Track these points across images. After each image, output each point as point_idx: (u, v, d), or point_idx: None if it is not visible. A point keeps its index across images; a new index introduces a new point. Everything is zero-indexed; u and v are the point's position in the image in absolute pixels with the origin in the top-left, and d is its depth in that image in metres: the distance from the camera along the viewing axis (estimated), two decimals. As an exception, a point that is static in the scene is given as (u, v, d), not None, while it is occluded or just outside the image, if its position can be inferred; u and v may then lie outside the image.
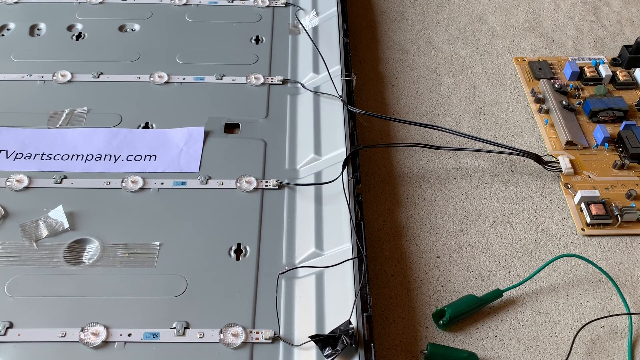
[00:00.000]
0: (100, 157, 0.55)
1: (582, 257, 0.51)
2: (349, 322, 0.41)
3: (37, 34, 0.67)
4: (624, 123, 0.60)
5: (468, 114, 0.64)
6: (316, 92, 0.60)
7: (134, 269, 0.47)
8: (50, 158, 0.54)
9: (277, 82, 0.62)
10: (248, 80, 0.62)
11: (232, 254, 0.48)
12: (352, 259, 0.46)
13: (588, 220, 0.54)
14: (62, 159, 0.54)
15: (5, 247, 0.48)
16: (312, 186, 0.53)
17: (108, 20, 0.68)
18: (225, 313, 0.44)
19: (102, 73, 0.62)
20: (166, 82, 0.61)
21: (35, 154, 0.55)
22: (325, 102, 0.59)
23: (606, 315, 0.48)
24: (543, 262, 0.51)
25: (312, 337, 0.41)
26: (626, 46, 0.67)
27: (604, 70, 0.65)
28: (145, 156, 0.55)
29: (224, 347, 0.43)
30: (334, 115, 0.58)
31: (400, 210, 0.55)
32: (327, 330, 0.42)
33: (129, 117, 0.58)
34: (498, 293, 0.49)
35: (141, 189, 0.52)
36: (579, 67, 0.66)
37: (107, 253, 0.48)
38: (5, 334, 0.43)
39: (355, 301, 0.43)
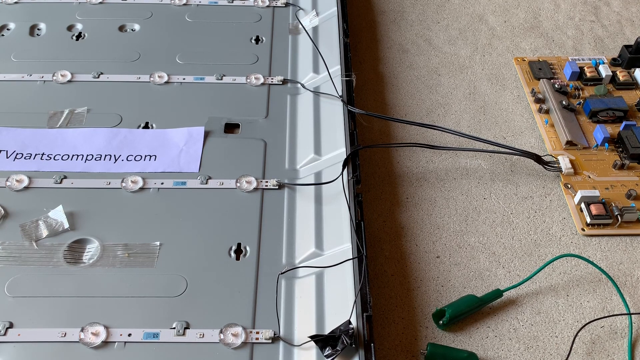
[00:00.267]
0: (100, 157, 0.55)
1: (582, 257, 0.51)
2: (349, 322, 0.41)
3: (37, 34, 0.67)
4: (624, 123, 0.60)
5: (468, 114, 0.64)
6: (316, 92, 0.60)
7: (134, 269, 0.47)
8: (50, 158, 0.54)
9: (277, 82, 0.62)
10: (248, 80, 0.62)
11: (232, 254, 0.48)
12: (352, 259, 0.46)
13: (588, 220, 0.54)
14: (62, 159, 0.54)
15: (5, 247, 0.48)
16: (312, 186, 0.53)
17: (108, 20, 0.68)
18: (225, 313, 0.44)
19: (102, 73, 0.62)
20: (166, 82, 0.61)
21: (35, 154, 0.55)
22: (325, 102, 0.59)
23: (606, 315, 0.48)
24: (543, 262, 0.51)
25: (312, 337, 0.41)
26: (626, 46, 0.67)
27: (604, 70, 0.65)
28: (145, 156, 0.55)
29: (224, 347, 0.43)
30: (334, 115, 0.58)
31: (400, 210, 0.55)
32: (327, 330, 0.42)
33: (129, 117, 0.58)
34: (498, 293, 0.49)
35: (141, 189, 0.52)
36: (579, 67, 0.66)
37: (107, 253, 0.48)
38: (5, 334, 0.43)
39: (355, 301, 0.43)
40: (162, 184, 0.53)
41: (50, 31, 0.67)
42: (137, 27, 0.68)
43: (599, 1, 0.78)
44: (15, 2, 0.70)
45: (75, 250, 0.48)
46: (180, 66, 0.63)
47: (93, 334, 0.43)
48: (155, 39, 0.66)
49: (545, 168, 0.58)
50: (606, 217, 0.53)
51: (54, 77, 0.61)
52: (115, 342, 0.43)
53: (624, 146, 0.59)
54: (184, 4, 0.71)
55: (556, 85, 0.64)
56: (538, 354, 0.46)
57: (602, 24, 0.75)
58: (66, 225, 0.49)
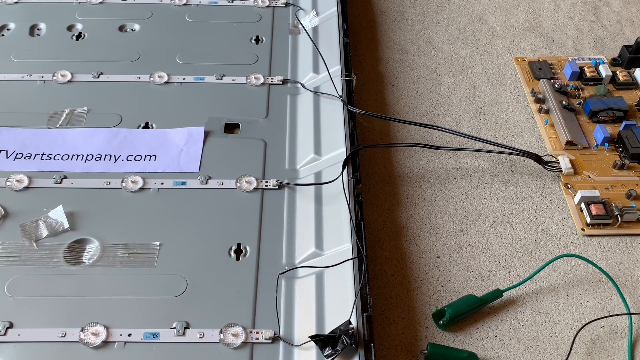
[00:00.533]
0: (100, 157, 0.55)
1: (582, 257, 0.51)
2: (349, 322, 0.41)
3: (37, 34, 0.67)
4: (624, 123, 0.60)
5: (468, 114, 0.64)
6: (316, 92, 0.60)
7: (134, 269, 0.47)
8: (50, 158, 0.54)
9: (277, 82, 0.62)
10: (248, 80, 0.62)
11: (232, 254, 0.48)
12: (352, 259, 0.46)
13: (588, 220, 0.54)
14: (62, 159, 0.54)
15: (5, 247, 0.48)
16: (312, 186, 0.53)
17: (108, 20, 0.68)
18: (225, 313, 0.44)
19: (102, 73, 0.62)
20: (166, 82, 0.61)
21: (35, 154, 0.55)
22: (325, 102, 0.59)
23: (606, 315, 0.48)
24: (543, 262, 0.51)
25: (312, 337, 0.41)
26: (626, 46, 0.67)
27: (604, 70, 0.65)
28: (145, 156, 0.55)
29: (224, 347, 0.43)
30: (334, 115, 0.58)
31: (400, 210, 0.55)
32: (327, 330, 0.42)
33: (129, 117, 0.58)
34: (498, 293, 0.49)
35: (141, 189, 0.52)
36: (579, 67, 0.66)
37: (107, 253, 0.48)
38: (5, 334, 0.43)
39: (355, 301, 0.43)
40: (162, 184, 0.53)
41: (50, 31, 0.67)
42: (137, 27, 0.68)
43: (599, 1, 0.78)
44: (15, 2, 0.70)
45: (75, 250, 0.48)
46: (180, 66, 0.63)
47: (93, 334, 0.43)
48: (155, 39, 0.66)
49: (545, 168, 0.58)
50: (606, 217, 0.53)
51: (54, 77, 0.61)
52: (115, 342, 0.43)
53: (624, 146, 0.59)
54: (184, 4, 0.71)
55: (556, 85, 0.64)
56: (538, 354, 0.46)
57: (602, 24, 0.75)
58: (66, 225, 0.49)
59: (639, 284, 0.51)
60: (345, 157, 0.52)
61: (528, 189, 0.57)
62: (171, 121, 0.58)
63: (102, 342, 0.43)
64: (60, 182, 0.52)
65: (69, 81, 0.61)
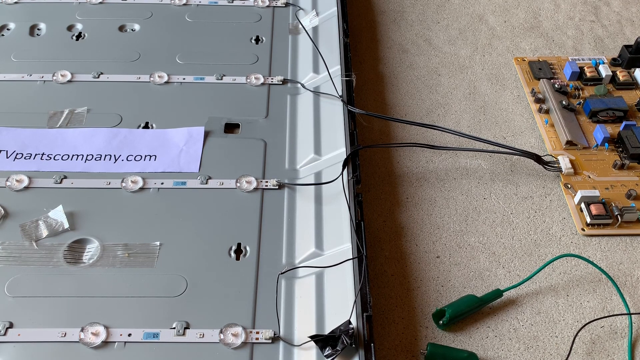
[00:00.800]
0: (100, 157, 0.55)
1: (582, 257, 0.51)
2: (349, 322, 0.41)
3: (37, 34, 0.67)
4: (624, 123, 0.60)
5: (468, 114, 0.64)
6: (316, 92, 0.60)
7: (134, 269, 0.47)
8: (50, 158, 0.54)
9: (277, 82, 0.62)
10: (248, 80, 0.62)
11: (232, 254, 0.48)
12: (352, 259, 0.46)
13: (588, 220, 0.54)
14: (62, 159, 0.54)
15: (5, 247, 0.48)
16: (312, 186, 0.53)
17: (108, 20, 0.68)
18: (225, 313, 0.44)
19: (102, 73, 0.62)
20: (166, 82, 0.61)
21: (35, 154, 0.55)
22: (325, 102, 0.59)
23: (606, 315, 0.48)
24: (543, 262, 0.51)
25: (312, 337, 0.41)
26: (626, 46, 0.67)
27: (604, 70, 0.65)
28: (145, 156, 0.55)
29: (224, 347, 0.43)
30: (334, 115, 0.58)
31: (400, 210, 0.55)
32: (327, 330, 0.42)
33: (129, 117, 0.58)
34: (498, 293, 0.49)
35: (141, 189, 0.52)
36: (579, 67, 0.66)
37: (107, 253, 0.48)
38: (5, 334, 0.43)
39: (355, 301, 0.43)
40: (162, 184, 0.53)
41: (50, 31, 0.67)
42: (137, 27, 0.68)
43: (599, 1, 0.78)
44: (15, 2, 0.70)
45: (75, 250, 0.48)
46: (180, 66, 0.63)
47: (93, 334, 0.43)
48: (155, 39, 0.66)
49: (545, 168, 0.58)
50: (606, 217, 0.53)
51: (54, 77, 0.61)
52: (115, 342, 0.43)
53: (624, 146, 0.59)
54: (184, 4, 0.71)
55: (556, 85, 0.64)
56: (538, 354, 0.46)
57: (602, 24, 0.75)
58: (66, 225, 0.49)
59: (639, 284, 0.51)
60: (345, 157, 0.52)
61: (528, 189, 0.57)
62: (171, 121, 0.58)
63: (102, 342, 0.43)
64: (60, 182, 0.52)
65: (69, 81, 0.61)
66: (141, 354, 0.42)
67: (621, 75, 0.65)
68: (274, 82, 0.62)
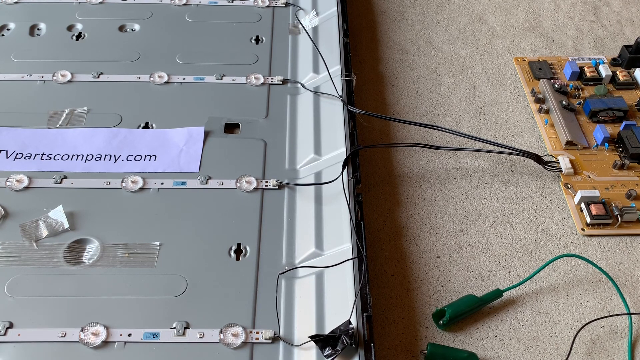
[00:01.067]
0: (100, 157, 0.55)
1: (582, 257, 0.51)
2: (349, 322, 0.41)
3: (37, 34, 0.67)
4: (624, 123, 0.60)
5: (468, 114, 0.64)
6: (316, 92, 0.60)
7: (134, 269, 0.47)
8: (50, 158, 0.54)
9: (277, 82, 0.62)
10: (248, 80, 0.62)
11: (232, 254, 0.48)
12: (352, 259, 0.46)
13: (588, 220, 0.54)
14: (62, 159, 0.54)
15: (5, 247, 0.48)
16: (312, 186, 0.53)
17: (108, 20, 0.68)
18: (225, 313, 0.44)
19: (102, 73, 0.62)
20: (166, 82, 0.61)
21: (35, 154, 0.55)
22: (325, 102, 0.59)
23: (606, 315, 0.48)
24: (543, 262, 0.51)
25: (312, 337, 0.41)
26: (626, 46, 0.67)
27: (604, 70, 0.65)
28: (145, 156, 0.55)
29: (224, 347, 0.43)
30: (334, 115, 0.58)
31: (400, 210, 0.55)
32: (327, 330, 0.42)
33: (129, 117, 0.58)
34: (498, 293, 0.49)
35: (141, 189, 0.52)
36: (579, 67, 0.66)
37: (107, 253, 0.48)
38: (5, 334, 0.43)
39: (355, 301, 0.43)
40: (162, 184, 0.53)
41: (50, 31, 0.67)
42: (137, 27, 0.68)
43: (599, 1, 0.78)
44: (15, 2, 0.70)
45: (75, 250, 0.48)
46: (180, 66, 0.63)
47: (93, 334, 0.43)
48: (155, 39, 0.66)
49: (545, 168, 0.58)
50: (606, 217, 0.53)
51: (54, 77, 0.61)
52: (115, 342, 0.43)
53: (624, 146, 0.59)
54: (184, 4, 0.71)
55: (556, 85, 0.64)
56: (538, 354, 0.46)
57: (602, 24, 0.75)
58: (66, 225, 0.49)
59: (639, 284, 0.51)
60: (345, 157, 0.52)
61: (528, 189, 0.57)
62: (171, 121, 0.58)
63: (102, 342, 0.43)
64: (60, 182, 0.52)
65: (69, 81, 0.61)
66: (141, 354, 0.42)
67: (621, 75, 0.65)
68: (274, 82, 0.62)
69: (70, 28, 0.67)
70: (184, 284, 0.46)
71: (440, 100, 0.65)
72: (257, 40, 0.67)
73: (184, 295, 0.46)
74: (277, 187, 0.53)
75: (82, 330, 0.43)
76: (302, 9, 0.71)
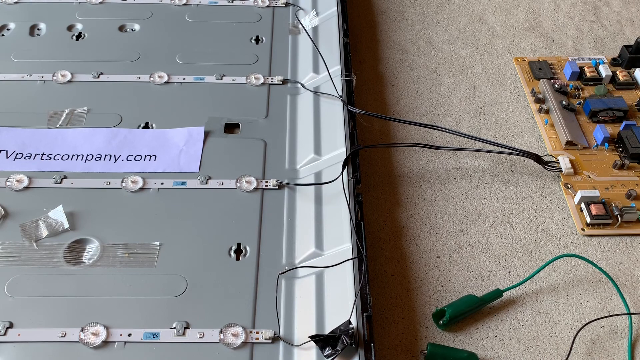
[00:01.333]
0: (100, 157, 0.55)
1: (582, 257, 0.51)
2: (349, 322, 0.41)
3: (37, 34, 0.67)
4: (624, 123, 0.60)
5: (468, 114, 0.64)
6: (316, 92, 0.60)
7: (134, 269, 0.47)
8: (50, 158, 0.54)
9: (277, 82, 0.62)
10: (248, 80, 0.62)
11: (232, 254, 0.48)
12: (352, 259, 0.46)
13: (588, 220, 0.54)
14: (62, 159, 0.54)
15: (5, 247, 0.48)
16: (312, 186, 0.53)
17: (108, 20, 0.68)
18: (225, 313, 0.44)
19: (102, 73, 0.62)
20: (166, 82, 0.61)
21: (35, 154, 0.55)
22: (325, 102, 0.59)
23: (606, 315, 0.48)
24: (543, 262, 0.51)
25: (312, 337, 0.41)
26: (626, 46, 0.67)
27: (604, 70, 0.65)
28: (145, 156, 0.55)
29: (224, 347, 0.43)
30: (334, 115, 0.58)
31: (400, 210, 0.55)
32: (327, 330, 0.42)
33: (129, 117, 0.58)
34: (498, 293, 0.49)
35: (141, 189, 0.52)
36: (579, 67, 0.66)
37: (107, 253, 0.48)
38: (5, 334, 0.43)
39: (355, 301, 0.43)
40: (162, 184, 0.53)
41: (50, 31, 0.67)
42: (137, 27, 0.68)
43: (599, 1, 0.78)
44: (15, 2, 0.70)
45: (75, 250, 0.48)
46: (180, 66, 0.63)
47: (93, 334, 0.43)
48: (155, 39, 0.66)
49: (545, 168, 0.58)
50: (606, 217, 0.53)
51: (54, 77, 0.61)
52: (115, 342, 0.43)
53: (624, 146, 0.59)
54: (184, 4, 0.71)
55: (556, 85, 0.64)
56: (538, 354, 0.46)
57: (602, 24, 0.75)
58: (66, 225, 0.49)
59: (639, 284, 0.51)
60: (345, 157, 0.52)
61: (528, 189, 0.57)
62: (171, 121, 0.58)
63: (102, 342, 0.43)
64: (60, 182, 0.52)
65: (69, 81, 0.61)
66: (141, 354, 0.42)
67: (621, 75, 0.65)
68: (274, 82, 0.62)
69: (70, 28, 0.67)
70: (184, 284, 0.46)
71: (440, 100, 0.65)
72: (257, 40, 0.67)
73: (184, 295, 0.46)
74: (277, 187, 0.53)
75: (82, 330, 0.43)
76: (302, 9, 0.71)
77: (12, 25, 0.67)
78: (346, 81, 0.59)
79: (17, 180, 0.52)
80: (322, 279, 0.46)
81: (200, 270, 0.47)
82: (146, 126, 0.58)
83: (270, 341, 0.43)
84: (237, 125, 0.58)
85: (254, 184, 0.53)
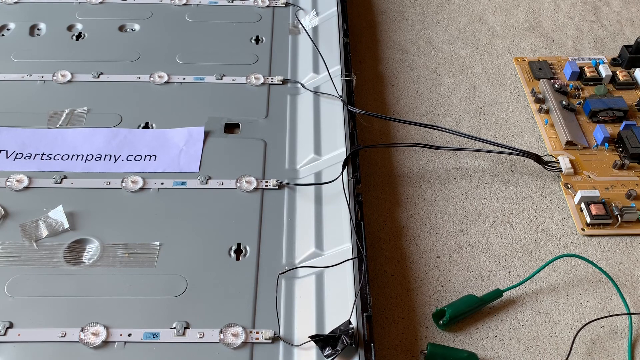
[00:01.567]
0: (100, 157, 0.55)
1: (582, 257, 0.51)
2: (349, 322, 0.41)
3: (37, 34, 0.67)
4: (624, 123, 0.60)
5: (468, 114, 0.64)
6: (316, 92, 0.60)
7: (134, 269, 0.47)
8: (50, 158, 0.54)
9: (277, 82, 0.62)
10: (248, 80, 0.62)
11: (232, 254, 0.48)
12: (352, 259, 0.46)
13: (588, 220, 0.54)
14: (62, 159, 0.54)
15: (5, 247, 0.48)
16: (312, 186, 0.53)
17: (108, 20, 0.68)
18: (225, 313, 0.44)
19: (102, 73, 0.62)
20: (166, 82, 0.61)
21: (35, 154, 0.55)
22: (325, 102, 0.59)
23: (606, 315, 0.48)
24: (543, 262, 0.51)
25: (312, 337, 0.41)
26: (626, 46, 0.67)
27: (604, 70, 0.65)
28: (145, 156, 0.55)
29: (224, 347, 0.43)
30: (334, 115, 0.58)
31: (400, 210, 0.55)
32: (327, 330, 0.42)
33: (129, 117, 0.58)
34: (498, 293, 0.49)
35: (141, 189, 0.52)
36: (579, 67, 0.66)
37: (107, 253, 0.48)
38: (5, 334, 0.43)
39: (355, 301, 0.43)
40: (162, 184, 0.53)
41: (50, 31, 0.67)
42: (137, 27, 0.68)
43: (599, 1, 0.78)
44: (15, 2, 0.70)
45: (75, 250, 0.48)
46: (180, 66, 0.63)
47: (93, 334, 0.43)
48: (155, 39, 0.66)
49: (545, 168, 0.58)
50: (606, 217, 0.53)
51: (54, 77, 0.61)
52: (115, 342, 0.43)
53: (624, 146, 0.59)
54: (184, 4, 0.71)
55: (556, 85, 0.64)
56: (538, 354, 0.46)
57: (602, 24, 0.75)
58: (66, 225, 0.49)
59: (639, 284, 0.51)
60: (345, 157, 0.52)
61: (528, 189, 0.57)
62: (171, 121, 0.58)
63: (102, 342, 0.43)
64: (60, 182, 0.52)
65: (69, 81, 0.61)
66: (141, 354, 0.42)
67: (621, 75, 0.65)
68: (274, 82, 0.62)
69: (70, 28, 0.67)
70: (183, 284, 0.46)
71: (440, 100, 0.65)
72: (257, 40, 0.67)
73: (184, 295, 0.46)
74: (277, 187, 0.53)
75: (82, 330, 0.43)
76: (302, 9, 0.71)
77: (12, 25, 0.67)
78: (346, 81, 0.59)
79: (17, 180, 0.52)
80: (322, 279, 0.46)
81: (200, 270, 0.47)
82: (146, 126, 0.58)
83: (270, 341, 0.43)
84: (237, 125, 0.58)
85: (254, 184, 0.53)
